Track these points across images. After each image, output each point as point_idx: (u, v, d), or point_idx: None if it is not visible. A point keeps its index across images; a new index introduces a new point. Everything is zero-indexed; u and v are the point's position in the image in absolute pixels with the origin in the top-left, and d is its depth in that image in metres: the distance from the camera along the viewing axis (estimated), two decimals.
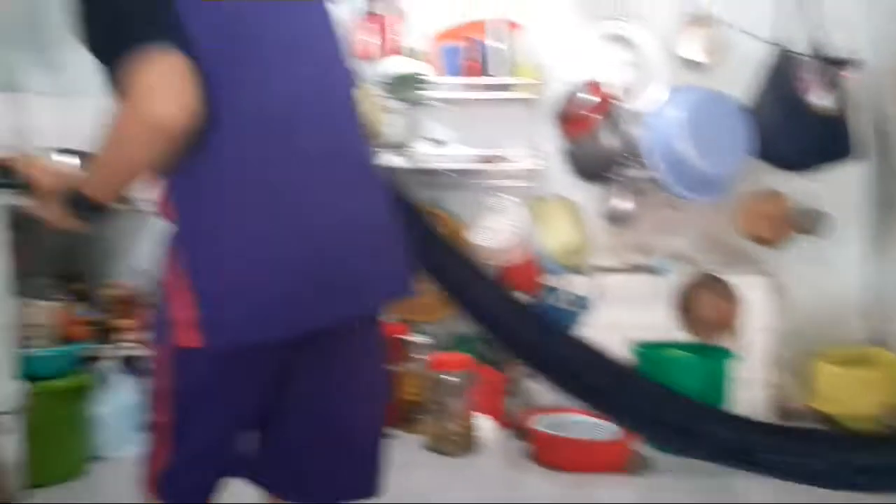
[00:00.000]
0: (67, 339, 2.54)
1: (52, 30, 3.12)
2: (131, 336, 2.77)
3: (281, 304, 1.05)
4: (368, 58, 3.06)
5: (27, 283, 2.42)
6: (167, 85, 0.95)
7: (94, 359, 2.69)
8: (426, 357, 2.78)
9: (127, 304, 2.87)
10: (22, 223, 2.42)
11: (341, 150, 1.15)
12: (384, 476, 1.29)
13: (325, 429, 1.21)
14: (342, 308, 1.12)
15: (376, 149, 1.31)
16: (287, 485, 1.25)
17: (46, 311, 2.47)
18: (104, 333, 2.83)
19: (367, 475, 1.27)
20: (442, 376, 2.64)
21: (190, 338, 1.04)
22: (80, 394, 2.52)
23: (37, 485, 2.26)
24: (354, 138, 1.20)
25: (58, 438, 2.41)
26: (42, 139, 3.03)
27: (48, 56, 3.13)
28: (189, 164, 1.02)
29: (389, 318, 2.86)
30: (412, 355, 2.81)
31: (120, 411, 2.66)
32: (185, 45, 0.96)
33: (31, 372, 2.31)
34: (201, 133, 0.99)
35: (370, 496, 1.27)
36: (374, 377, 1.29)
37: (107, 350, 2.73)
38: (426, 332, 2.84)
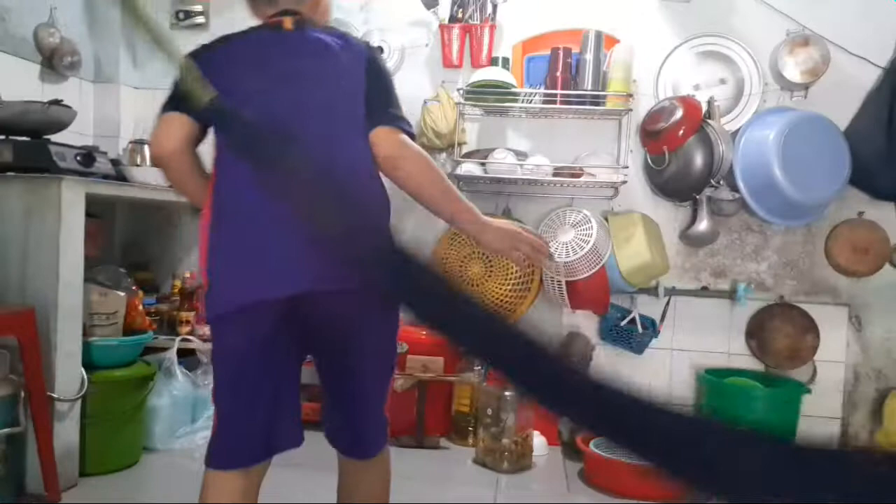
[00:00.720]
0: (132, 329, 2.50)
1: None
2: (192, 328, 2.83)
3: (239, 284, 1.41)
4: (456, 66, 3.08)
5: (97, 271, 2.48)
6: (155, 137, 1.49)
7: (156, 349, 2.69)
8: (483, 368, 2.76)
9: (191, 297, 2.93)
10: (96, 211, 2.54)
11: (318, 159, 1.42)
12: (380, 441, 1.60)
13: (336, 387, 1.57)
14: (282, 289, 1.40)
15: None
16: (333, 440, 1.61)
17: (113, 299, 2.42)
18: (168, 325, 2.89)
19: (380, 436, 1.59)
20: (498, 389, 2.62)
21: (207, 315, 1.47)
22: (140, 384, 2.49)
23: (91, 473, 2.31)
24: (352, 168, 1.48)
25: (116, 428, 2.39)
26: (129, 129, 3.23)
27: (138, 51, 3.29)
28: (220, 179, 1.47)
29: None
30: (469, 366, 2.82)
31: (176, 403, 2.66)
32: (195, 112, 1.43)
33: (94, 360, 2.32)
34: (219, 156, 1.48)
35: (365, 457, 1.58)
36: (379, 357, 1.56)
37: (169, 341, 2.73)
38: None
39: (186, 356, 2.78)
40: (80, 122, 2.85)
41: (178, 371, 2.70)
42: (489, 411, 2.63)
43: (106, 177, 2.48)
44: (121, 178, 2.60)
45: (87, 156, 2.38)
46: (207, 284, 1.44)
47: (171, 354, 2.68)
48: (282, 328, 1.45)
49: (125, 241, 3.25)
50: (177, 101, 1.45)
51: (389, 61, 3.11)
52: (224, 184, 1.45)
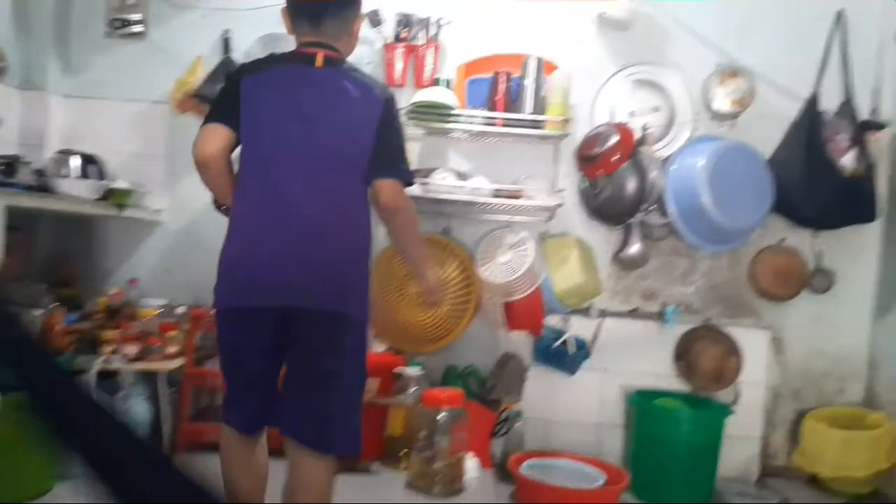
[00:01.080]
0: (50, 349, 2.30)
1: (75, 32, 3.20)
2: (116, 349, 2.65)
3: (236, 287, 1.76)
4: (399, 85, 3.10)
5: (12, 289, 2.38)
6: (199, 142, 1.78)
7: (76, 371, 2.52)
8: (417, 390, 2.76)
9: (116, 315, 2.80)
10: (18, 224, 2.39)
11: (318, 188, 1.75)
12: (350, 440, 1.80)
13: (299, 383, 1.79)
14: (281, 298, 1.71)
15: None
16: (283, 426, 1.80)
17: (30, 318, 2.30)
18: (90, 344, 2.69)
19: (334, 433, 1.77)
20: (431, 411, 2.59)
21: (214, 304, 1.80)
22: None
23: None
24: (335, 178, 1.77)
25: (26, 455, 2.17)
26: (56, 139, 3.12)
27: (70, 58, 3.19)
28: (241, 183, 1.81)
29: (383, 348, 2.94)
30: (402, 388, 2.80)
31: None
32: (232, 121, 1.76)
33: (4, 382, 2.16)
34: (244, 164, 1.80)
35: (328, 451, 1.78)
36: (342, 364, 1.77)
37: (90, 362, 2.56)
38: (419, 365, 2.83)
39: (109, 378, 2.69)
40: (4, 130, 2.75)
41: (102, 393, 2.56)
42: (422, 434, 2.63)
43: (29, 188, 2.40)
44: (45, 189, 2.52)
45: (9, 165, 2.31)
46: (217, 277, 1.79)
47: (91, 376, 2.56)
48: (269, 328, 1.75)
49: (49, 255, 3.14)
50: (219, 113, 1.79)
51: None
52: (241, 197, 1.79)
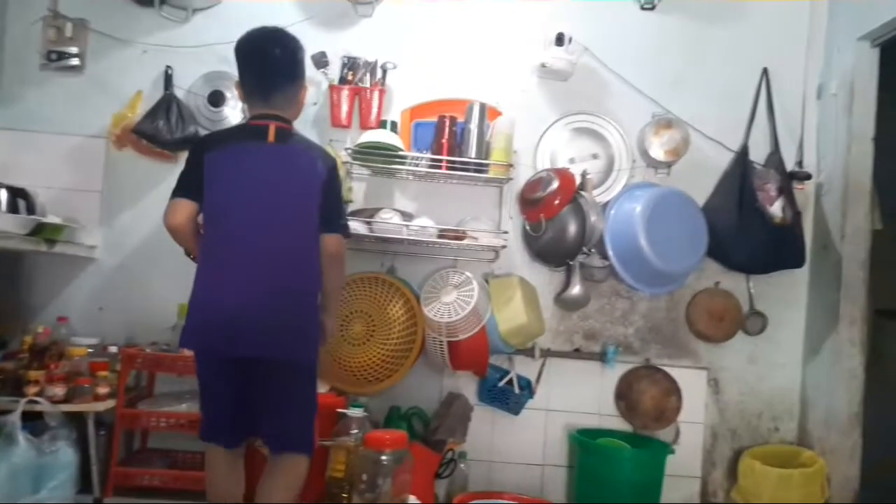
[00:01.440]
0: None
1: (8, 64, 3.14)
2: (41, 389, 2.54)
3: (201, 333, 2.06)
4: (345, 126, 3.12)
5: None
6: (170, 213, 2.12)
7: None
8: (360, 432, 2.66)
9: (42, 354, 2.68)
10: None
11: (271, 246, 2.07)
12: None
13: (268, 414, 2.18)
14: (240, 349, 2.02)
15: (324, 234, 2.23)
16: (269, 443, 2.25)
17: None
18: (13, 384, 2.60)
19: (293, 441, 2.21)
20: (374, 453, 2.50)
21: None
22: None
23: None
24: (288, 238, 2.11)
25: None
26: None
27: (1, 89, 3.13)
28: (204, 245, 2.14)
29: (326, 390, 2.87)
30: (344, 430, 2.70)
31: (16, 472, 2.41)
32: (195, 194, 2.11)
33: None
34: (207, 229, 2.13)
35: (301, 452, 2.22)
36: (294, 396, 2.18)
37: (12, 403, 2.48)
38: (362, 406, 2.79)
39: (33, 420, 2.54)
40: None
41: (21, 437, 2.45)
42: (364, 476, 2.56)
43: None
44: None
45: None
46: (186, 319, 2.10)
47: (14, 418, 2.44)
48: (233, 366, 2.09)
49: None
50: (186, 188, 2.12)
51: None
52: (206, 255, 2.12)
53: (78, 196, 3.09)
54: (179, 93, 3.12)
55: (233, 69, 3.12)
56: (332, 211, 2.21)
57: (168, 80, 3.11)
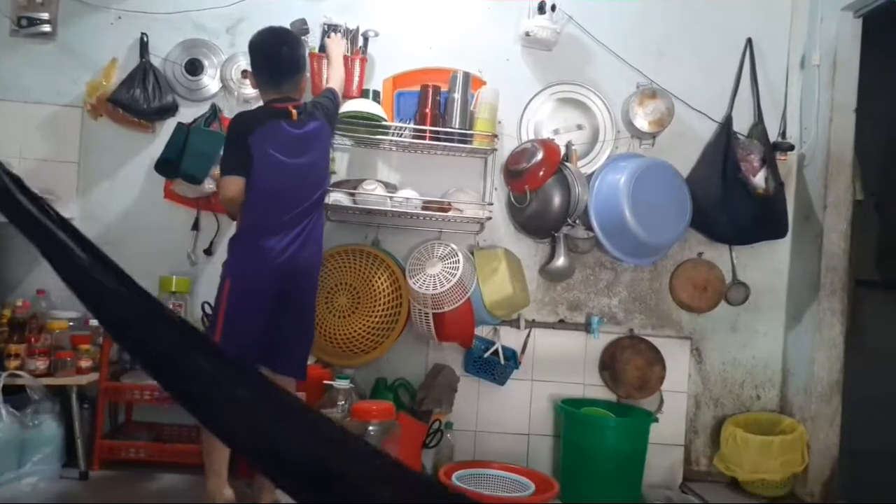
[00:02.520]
0: None
1: None
2: (22, 363, 2.54)
3: (251, 279, 2.40)
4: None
5: None
6: (223, 188, 2.44)
7: None
8: (346, 404, 2.68)
9: (23, 328, 2.66)
10: None
11: (298, 218, 2.47)
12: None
13: (290, 332, 2.49)
14: (280, 287, 2.42)
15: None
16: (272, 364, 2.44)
17: None
18: None
19: (301, 363, 2.54)
20: (362, 424, 2.52)
21: (228, 281, 2.41)
22: None
23: None
24: (311, 211, 2.51)
25: None
26: None
27: None
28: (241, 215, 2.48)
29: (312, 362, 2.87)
30: (331, 402, 2.70)
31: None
32: (245, 171, 2.40)
33: None
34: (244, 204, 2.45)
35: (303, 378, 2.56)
36: (309, 308, 2.57)
37: None
38: (348, 378, 2.76)
39: (15, 393, 2.51)
40: None
41: (3, 410, 2.43)
42: None
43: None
44: None
45: None
46: (232, 271, 2.44)
47: None
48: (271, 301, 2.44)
49: None
50: (233, 167, 2.42)
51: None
52: (254, 218, 2.45)
53: (54, 167, 3.02)
54: (155, 61, 3.05)
55: (210, 36, 3.13)
56: (335, 113, 2.71)
57: (144, 47, 3.04)
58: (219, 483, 2.35)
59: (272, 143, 2.43)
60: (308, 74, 2.67)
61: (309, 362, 2.81)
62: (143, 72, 2.99)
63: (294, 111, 2.48)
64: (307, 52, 2.66)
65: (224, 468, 2.37)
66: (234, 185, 2.42)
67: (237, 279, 2.40)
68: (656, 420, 2.99)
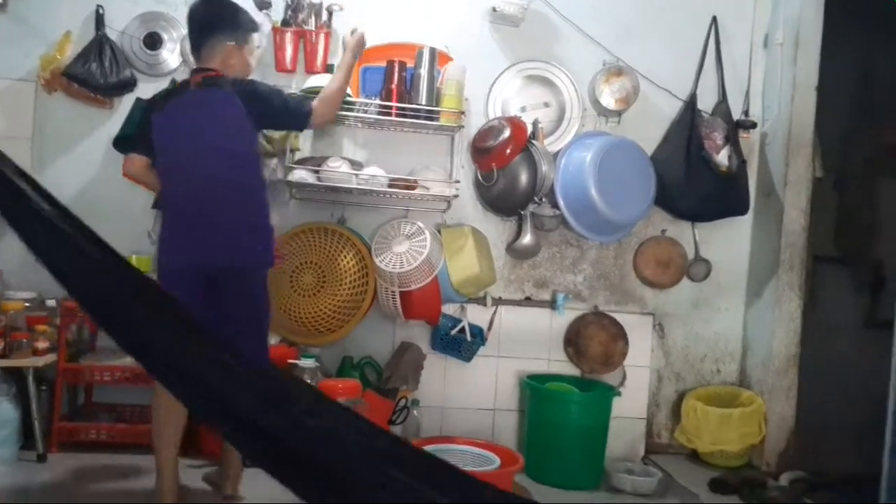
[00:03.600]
0: None
1: None
2: None
3: (174, 253, 2.28)
4: (290, 71, 3.02)
5: None
6: (128, 164, 2.41)
7: None
8: (313, 382, 2.67)
9: None
10: None
11: (217, 185, 2.27)
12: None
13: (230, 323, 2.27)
14: (207, 261, 2.26)
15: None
16: None
17: None
18: None
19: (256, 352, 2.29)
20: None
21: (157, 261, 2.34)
22: None
23: None
24: (231, 177, 2.30)
25: None
26: None
27: None
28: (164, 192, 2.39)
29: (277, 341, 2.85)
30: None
31: None
32: (147, 148, 2.34)
33: None
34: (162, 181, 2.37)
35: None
36: (251, 304, 2.33)
37: None
38: (314, 357, 2.76)
39: None
40: None
41: None
42: None
43: None
44: None
45: None
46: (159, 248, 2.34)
47: None
48: (201, 283, 2.28)
49: None
50: (133, 144, 2.42)
51: None
52: (165, 202, 2.39)
53: (5, 143, 2.87)
54: (112, 34, 2.96)
55: (169, 9, 3.04)
56: (278, 111, 2.40)
57: (99, 20, 2.94)
58: (169, 482, 2.23)
59: (165, 117, 2.30)
60: (249, 45, 2.42)
61: (273, 341, 2.80)
62: (100, 45, 2.90)
63: (197, 80, 2.31)
64: (243, 19, 2.41)
65: (172, 463, 2.25)
66: (132, 163, 2.39)
67: (159, 274, 2.30)
68: (619, 394, 3.04)
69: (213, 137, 2.29)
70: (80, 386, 2.93)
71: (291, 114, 2.43)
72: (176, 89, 2.41)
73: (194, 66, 2.42)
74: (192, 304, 2.22)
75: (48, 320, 2.65)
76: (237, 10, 2.44)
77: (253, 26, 2.47)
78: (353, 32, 2.67)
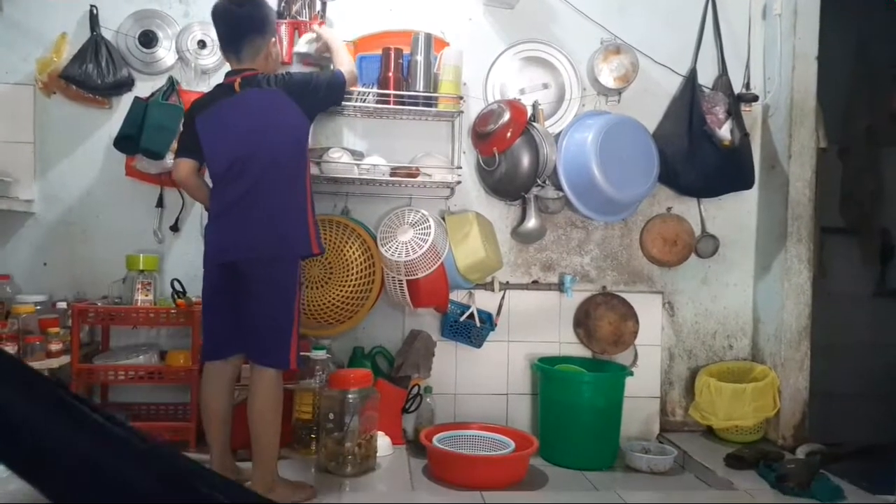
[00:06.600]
0: None
1: None
2: None
3: (213, 253, 2.32)
4: (284, 63, 3.00)
5: None
6: (173, 170, 2.47)
7: None
8: (324, 374, 2.70)
9: None
10: None
11: (256, 186, 2.28)
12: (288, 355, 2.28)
13: (249, 322, 2.29)
14: (224, 282, 2.30)
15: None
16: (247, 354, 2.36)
17: None
18: None
19: (272, 352, 2.28)
20: (340, 392, 2.55)
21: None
22: None
23: None
24: (269, 177, 2.29)
25: None
26: None
27: None
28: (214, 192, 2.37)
29: None
30: (309, 372, 2.73)
31: None
32: (193, 152, 2.38)
33: None
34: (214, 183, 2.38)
35: (280, 367, 2.29)
36: (271, 298, 2.28)
37: None
38: (325, 348, 2.77)
39: None
40: None
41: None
42: (331, 416, 2.57)
43: None
44: None
45: None
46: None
47: None
48: (224, 277, 2.31)
49: None
50: (182, 149, 2.44)
51: (211, 57, 3.00)
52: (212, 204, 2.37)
53: (8, 148, 2.93)
54: (107, 34, 2.95)
55: (163, 6, 3.03)
56: (325, 95, 2.43)
57: (94, 20, 2.93)
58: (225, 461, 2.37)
59: (210, 120, 2.33)
60: (276, 36, 2.49)
61: None
62: (95, 46, 2.90)
63: (238, 81, 2.32)
64: (271, 11, 2.45)
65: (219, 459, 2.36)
66: (180, 167, 2.41)
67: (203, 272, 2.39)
68: (631, 374, 3.03)
69: (273, 136, 2.30)
70: (95, 386, 2.93)
71: (333, 90, 2.46)
72: (217, 92, 2.39)
73: (232, 68, 2.40)
74: (215, 297, 2.33)
75: (59, 322, 2.66)
76: (265, 3, 2.45)
77: (276, 16, 2.57)
78: (317, 38, 2.77)
